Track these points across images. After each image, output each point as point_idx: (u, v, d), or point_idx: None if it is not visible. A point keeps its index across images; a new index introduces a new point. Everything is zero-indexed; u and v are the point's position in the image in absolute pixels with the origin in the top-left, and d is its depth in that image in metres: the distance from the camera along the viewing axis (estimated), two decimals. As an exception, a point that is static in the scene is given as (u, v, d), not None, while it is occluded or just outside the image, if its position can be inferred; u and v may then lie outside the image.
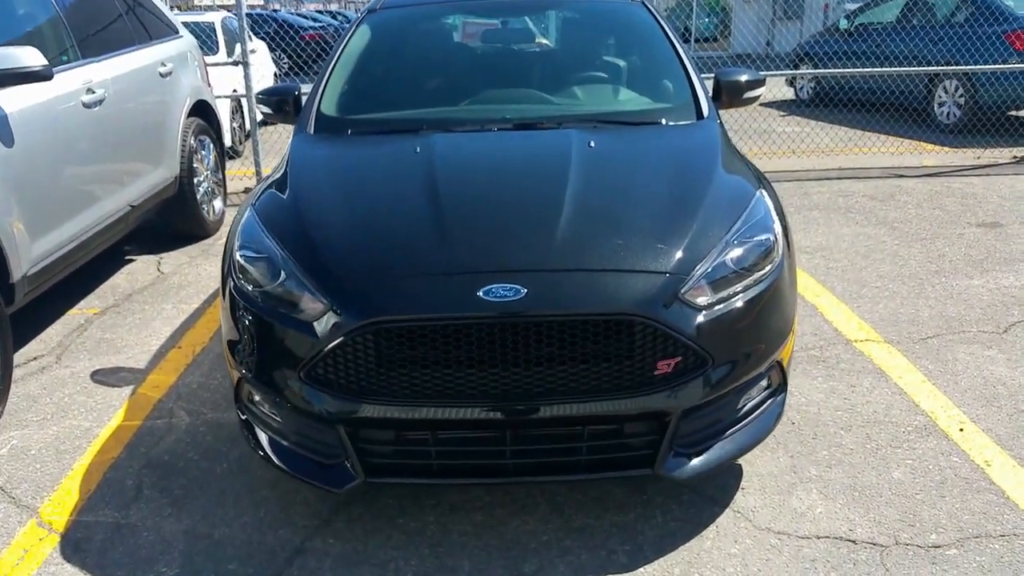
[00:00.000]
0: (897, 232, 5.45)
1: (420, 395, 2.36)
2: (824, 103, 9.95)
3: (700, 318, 2.40)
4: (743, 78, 3.65)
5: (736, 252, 2.54)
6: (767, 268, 2.58)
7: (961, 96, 8.35)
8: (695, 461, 2.49)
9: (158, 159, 5.22)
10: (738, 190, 2.82)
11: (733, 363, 2.48)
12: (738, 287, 2.50)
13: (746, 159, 3.19)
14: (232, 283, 2.66)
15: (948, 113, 8.54)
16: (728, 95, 3.65)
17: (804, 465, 2.93)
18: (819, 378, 3.53)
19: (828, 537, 2.56)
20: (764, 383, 2.68)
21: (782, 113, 10.32)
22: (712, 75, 3.76)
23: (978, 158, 7.43)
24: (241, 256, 2.67)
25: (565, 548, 2.55)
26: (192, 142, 5.66)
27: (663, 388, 2.38)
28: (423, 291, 2.39)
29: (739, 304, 2.48)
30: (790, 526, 2.61)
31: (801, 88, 10.87)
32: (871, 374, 3.55)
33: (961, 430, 3.10)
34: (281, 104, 3.74)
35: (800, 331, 3.97)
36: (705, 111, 3.38)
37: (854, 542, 2.53)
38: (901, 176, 6.88)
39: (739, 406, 2.59)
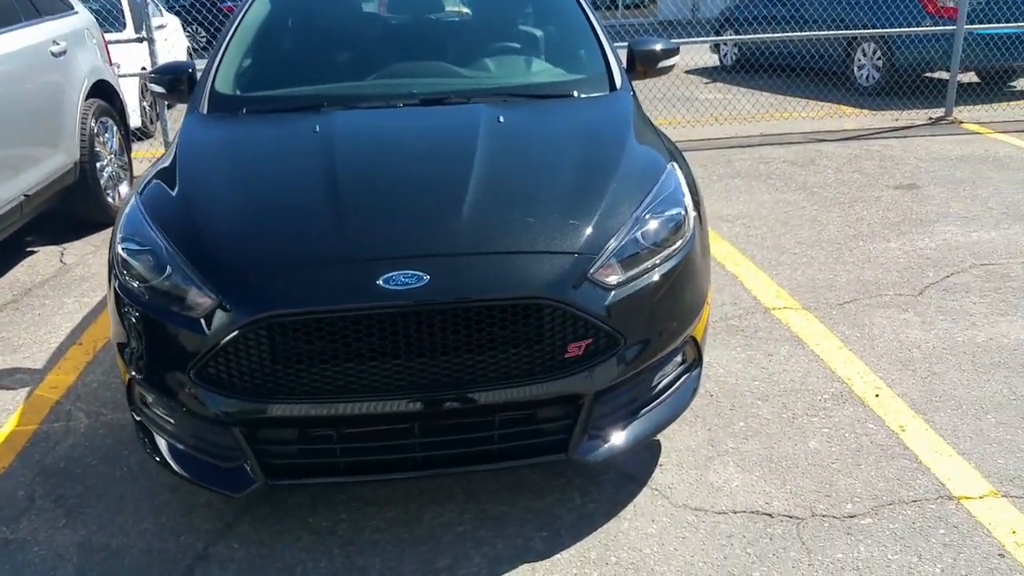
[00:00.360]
0: (816, 197, 5.49)
1: (320, 392, 2.25)
2: (748, 69, 10.00)
3: (611, 297, 2.33)
4: (657, 47, 3.58)
5: (646, 228, 2.48)
6: (678, 243, 2.52)
7: (879, 59, 8.46)
8: (610, 443, 2.44)
9: (54, 144, 4.93)
10: (649, 163, 2.75)
11: (646, 341, 2.43)
12: (649, 264, 2.43)
13: (659, 131, 3.12)
14: (116, 279, 2.49)
15: (867, 76, 8.66)
16: (642, 65, 3.57)
17: (721, 438, 2.90)
18: (737, 348, 3.51)
19: (745, 511, 2.54)
20: (679, 359, 2.63)
21: (706, 80, 10.34)
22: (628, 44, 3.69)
23: (896, 120, 7.54)
24: (123, 249, 2.50)
25: (480, 539, 2.48)
26: (93, 125, 5.36)
27: (575, 371, 2.31)
28: (318, 282, 2.26)
29: (650, 281, 2.42)
30: (707, 502, 2.59)
31: (725, 55, 10.90)
32: (789, 342, 3.55)
33: (877, 396, 3.12)
34: (175, 83, 3.53)
35: (719, 300, 3.96)
36: (618, 82, 3.30)
37: (771, 515, 2.52)
38: (821, 140, 6.94)
39: (653, 384, 2.55)
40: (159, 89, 3.58)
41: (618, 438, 2.45)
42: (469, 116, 3.00)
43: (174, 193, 2.66)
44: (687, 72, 10.65)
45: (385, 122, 3.07)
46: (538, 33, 3.78)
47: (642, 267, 2.42)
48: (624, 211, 2.50)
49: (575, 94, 3.23)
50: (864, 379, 3.23)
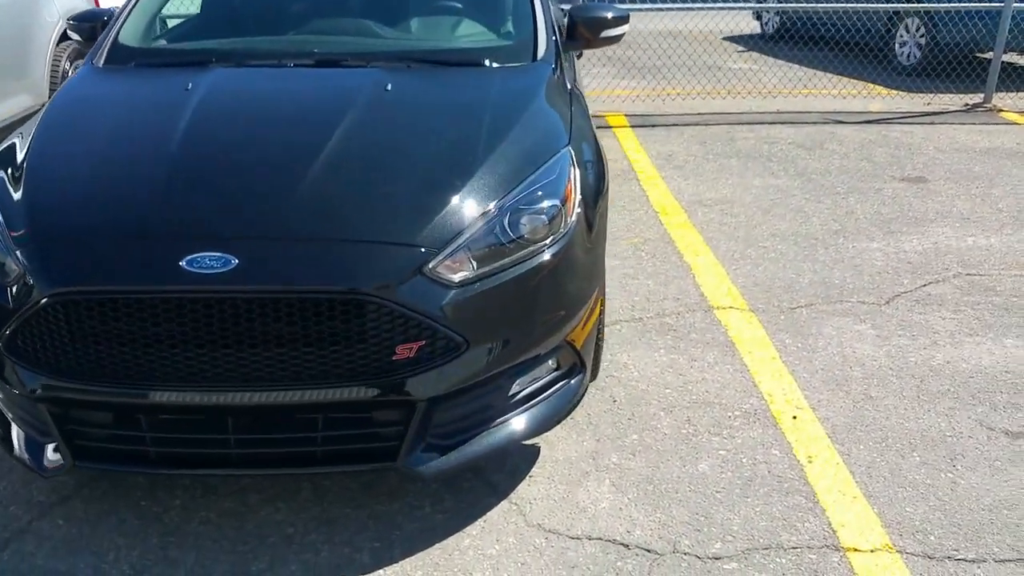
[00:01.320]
0: (811, 185, 5.08)
1: (124, 376, 2.06)
2: (788, 39, 9.42)
3: (451, 296, 2.09)
4: (604, 14, 3.25)
5: (512, 219, 2.22)
6: (548, 239, 2.25)
7: (922, 36, 7.84)
8: (450, 454, 2.21)
9: (18, 83, 4.82)
10: (536, 147, 2.46)
11: (498, 345, 2.18)
12: (509, 260, 2.18)
13: (577, 110, 2.81)
14: None
15: (909, 54, 8.05)
16: (586, 34, 3.25)
17: (607, 451, 2.65)
18: (662, 350, 3.23)
19: (600, 539, 2.30)
20: (550, 365, 2.38)
21: (741, 49, 9.78)
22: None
23: (928, 104, 6.98)
24: None
25: (307, 543, 2.29)
26: (67, 67, 5.24)
27: (405, 374, 2.08)
28: (119, 259, 2.07)
29: (508, 279, 2.17)
30: (564, 523, 2.35)
31: (767, 22, 10.30)
32: (720, 347, 3.24)
33: (795, 417, 2.81)
34: (93, 32, 3.34)
35: (662, 294, 3.66)
36: (541, 52, 2.98)
37: (627, 546, 2.27)
38: (840, 122, 6.45)
39: (512, 393, 2.30)
40: (77, 38, 3.40)
41: (462, 450, 2.23)
42: (354, 82, 2.74)
43: (21, 153, 2.48)
44: (725, 39, 10.12)
45: (262, 83, 2.82)
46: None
47: (500, 263, 2.17)
48: (488, 199, 2.23)
49: (487, 63, 2.93)
50: (787, 396, 2.93)
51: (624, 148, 5.84)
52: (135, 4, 3.27)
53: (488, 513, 2.40)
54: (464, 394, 2.20)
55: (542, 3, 3.16)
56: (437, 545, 2.28)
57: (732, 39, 10.22)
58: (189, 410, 2.12)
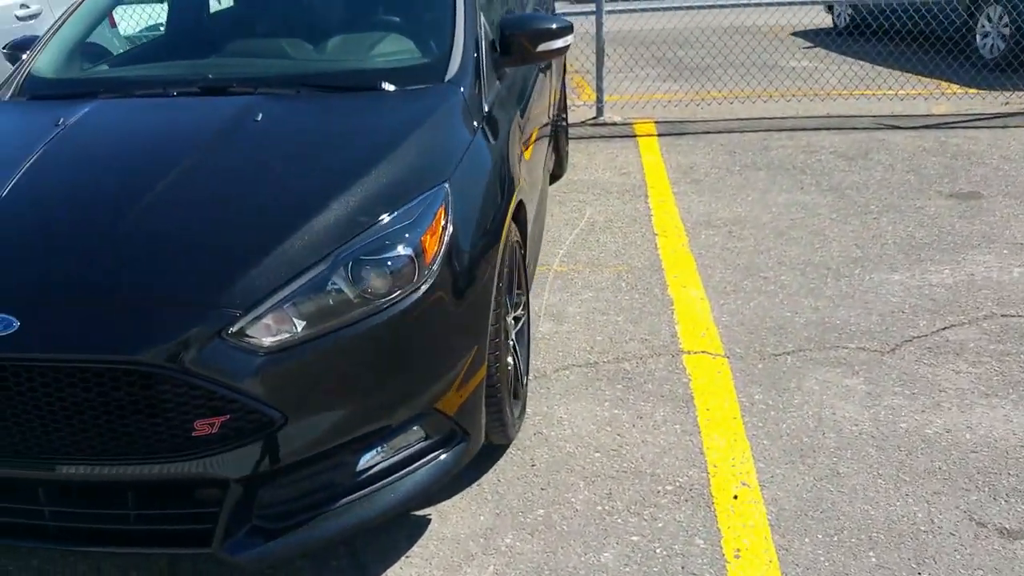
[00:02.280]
0: (843, 202, 4.55)
1: None
2: (860, 33, 8.70)
3: (262, 363, 1.80)
4: (542, 25, 2.87)
5: (352, 271, 1.91)
6: (395, 294, 1.94)
7: (1006, 26, 7.05)
8: (277, 541, 1.93)
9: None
10: (401, 186, 2.14)
11: (328, 418, 1.89)
12: (342, 319, 1.88)
13: (483, 140, 2.47)
14: None
15: (991, 46, 7.26)
16: (525, 45, 2.88)
17: (504, 529, 2.31)
18: (607, 403, 2.85)
19: (458, 649, 1.97)
20: (417, 434, 2.07)
21: (807, 45, 9.09)
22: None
23: (1005, 104, 6.24)
24: None
25: (130, 632, 2.05)
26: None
27: (208, 452, 1.82)
28: None
29: (342, 341, 1.87)
30: (424, 626, 2.03)
31: (838, 15, 9.55)
32: (675, 402, 2.84)
33: (736, 497, 2.40)
34: (18, 60, 3.21)
35: (630, 334, 3.27)
36: (451, 72, 2.64)
37: (486, 661, 1.93)
38: (894, 127, 5.82)
39: (359, 469, 2.00)
40: (10, 66, 3.28)
41: (294, 535, 1.94)
42: (223, 112, 2.48)
43: None
44: (794, 34, 9.46)
45: (131, 117, 2.59)
46: (392, 7, 3.14)
47: (331, 323, 1.87)
48: (322, 247, 1.94)
49: (384, 85, 2.61)
50: (736, 468, 2.51)
51: (643, 160, 5.41)
52: (51, 33, 3.12)
53: (342, 604, 2.10)
54: (294, 472, 1.92)
55: (466, 14, 2.81)
56: (271, 643, 2.00)
57: (801, 34, 9.53)
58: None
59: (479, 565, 2.20)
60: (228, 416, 1.81)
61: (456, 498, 2.44)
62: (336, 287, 1.89)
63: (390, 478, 2.06)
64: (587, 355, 3.14)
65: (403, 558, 2.24)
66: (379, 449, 2.02)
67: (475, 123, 2.52)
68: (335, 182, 2.10)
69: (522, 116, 3.04)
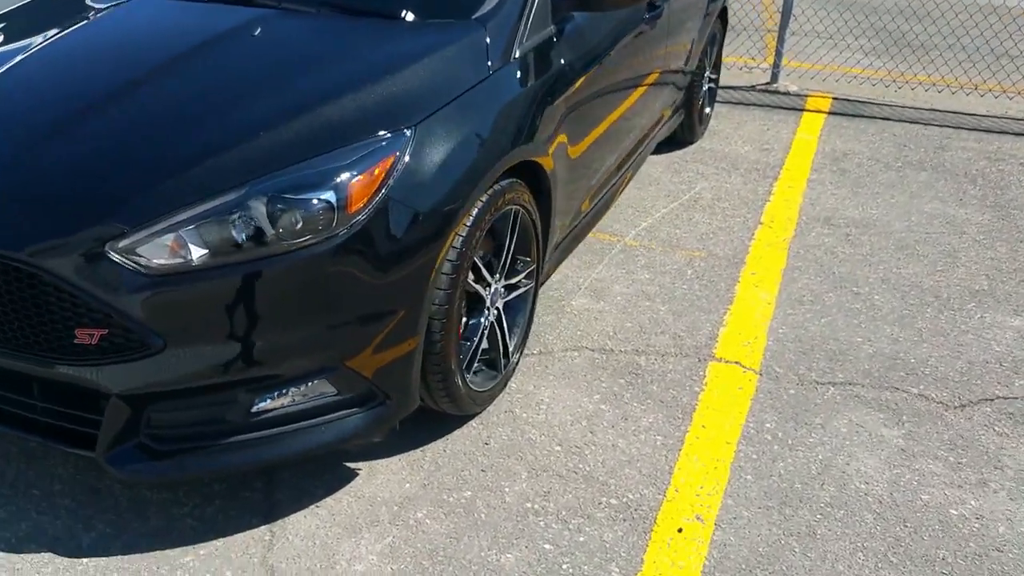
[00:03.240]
0: (1002, 224, 3.90)
1: None
2: None
3: (145, 284, 1.82)
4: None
5: (267, 207, 1.88)
6: (304, 238, 1.88)
7: None
8: (162, 462, 1.98)
9: None
10: (357, 124, 2.05)
11: (213, 354, 1.89)
12: (246, 254, 1.86)
13: (487, 90, 2.31)
14: None
15: None
16: None
17: (422, 502, 2.24)
18: (597, 396, 2.66)
19: (314, 610, 1.95)
20: (324, 388, 2.04)
21: (1065, 30, 7.78)
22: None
23: None
24: None
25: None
26: None
27: (89, 361, 1.88)
28: None
29: (238, 279, 1.86)
30: (300, 573, 2.03)
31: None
32: (671, 411, 2.60)
33: (680, 530, 2.17)
34: None
35: (664, 327, 3.02)
36: (484, 9, 2.48)
37: (333, 629, 1.90)
38: (1121, 144, 4.88)
39: (255, 410, 2.00)
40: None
41: (179, 460, 1.99)
42: (230, 21, 2.48)
43: None
44: (1057, 16, 8.13)
45: (150, 16, 2.63)
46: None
47: (231, 258, 1.86)
48: (241, 174, 1.91)
49: (405, 15, 2.49)
50: (699, 499, 2.27)
51: (795, 138, 4.93)
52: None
53: (235, 535, 2.14)
54: (183, 399, 1.95)
55: None
56: (145, 555, 2.08)
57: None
58: None
59: (378, 533, 2.15)
60: (107, 331, 1.85)
61: (394, 458, 2.39)
62: (243, 219, 1.86)
63: (290, 425, 2.05)
64: (606, 340, 2.95)
65: (312, 506, 2.23)
66: (278, 393, 2.01)
67: (490, 66, 2.36)
68: (292, 109, 2.05)
69: (587, 68, 2.81)
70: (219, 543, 2.12)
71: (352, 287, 1.95)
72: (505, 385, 2.65)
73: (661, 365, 2.82)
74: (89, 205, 1.86)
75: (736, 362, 2.84)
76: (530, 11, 2.53)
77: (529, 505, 2.24)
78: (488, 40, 2.40)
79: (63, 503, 2.21)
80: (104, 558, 2.06)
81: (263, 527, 2.17)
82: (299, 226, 1.88)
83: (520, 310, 2.71)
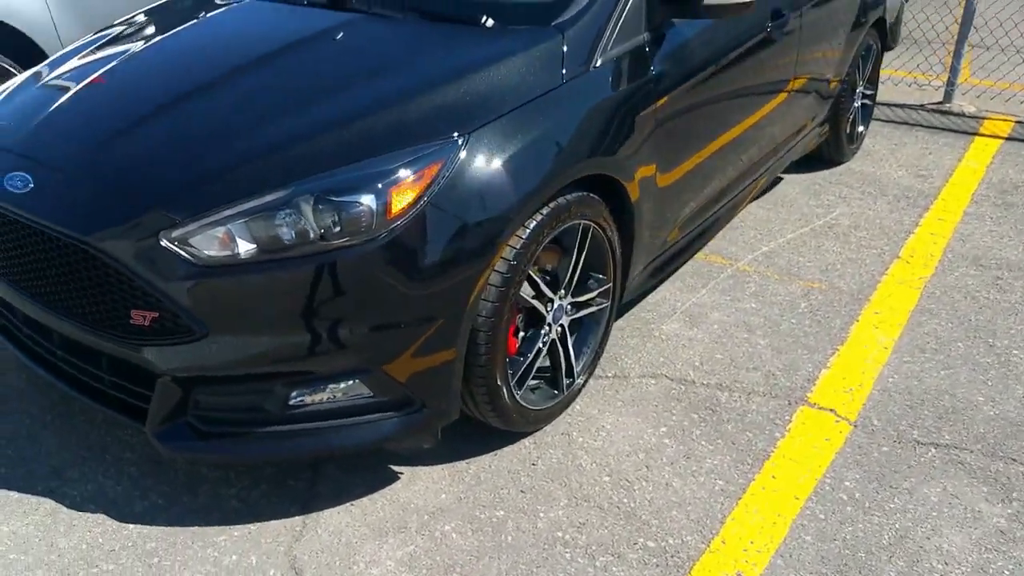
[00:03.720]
0: None
1: None
2: None
3: (193, 273, 1.91)
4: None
5: (308, 205, 1.93)
6: (343, 240, 1.92)
7: None
8: (205, 442, 2.08)
9: None
10: (410, 130, 2.05)
11: (252, 345, 1.97)
12: (290, 251, 1.92)
13: (557, 99, 2.24)
14: None
15: None
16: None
17: (453, 516, 2.22)
18: (664, 428, 2.53)
19: (323, 609, 1.97)
20: (359, 389, 2.07)
21: None
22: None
23: None
24: None
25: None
26: None
27: (141, 341, 2.01)
28: None
29: (281, 273, 1.92)
30: (321, 570, 2.06)
31: None
32: (743, 455, 2.42)
33: (716, 584, 2.02)
34: None
35: (757, 363, 2.83)
36: (566, 15, 2.40)
37: (335, 632, 1.92)
38: None
39: (291, 403, 2.06)
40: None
41: (219, 443, 2.09)
42: (315, 25, 2.56)
43: None
44: None
45: (250, 18, 2.74)
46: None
47: (279, 252, 1.91)
48: (289, 175, 1.96)
49: (486, 21, 2.45)
50: (746, 555, 2.10)
51: (960, 166, 4.47)
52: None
53: (270, 522, 2.21)
54: (228, 384, 2.04)
55: None
56: (185, 529, 2.18)
57: None
58: (13, 309, 2.33)
59: (403, 540, 2.15)
60: (157, 314, 1.96)
61: (438, 467, 2.38)
62: (290, 217, 1.91)
63: (326, 422, 2.09)
64: (689, 370, 2.79)
65: (348, 503, 2.27)
66: (314, 389, 2.05)
67: (564, 75, 2.29)
68: (352, 112, 2.09)
69: (687, 80, 2.67)
70: (254, 527, 2.19)
71: (388, 292, 1.95)
72: (567, 406, 2.58)
73: (744, 404, 2.64)
74: (148, 195, 1.98)
75: (831, 409, 2.61)
76: (618, 17, 2.43)
77: (560, 534, 2.16)
78: (565, 48, 2.33)
79: (129, 471, 2.37)
80: (148, 527, 2.19)
81: (298, 517, 2.22)
82: (338, 228, 1.91)
83: (592, 330, 2.62)
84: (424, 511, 2.24)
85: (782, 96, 3.40)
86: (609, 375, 2.77)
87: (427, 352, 2.05)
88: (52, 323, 2.18)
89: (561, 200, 2.24)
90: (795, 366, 2.82)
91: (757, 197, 4.02)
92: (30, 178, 2.10)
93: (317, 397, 2.06)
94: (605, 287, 2.57)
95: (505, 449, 2.45)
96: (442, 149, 2.01)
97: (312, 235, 1.91)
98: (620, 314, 3.08)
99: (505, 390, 2.27)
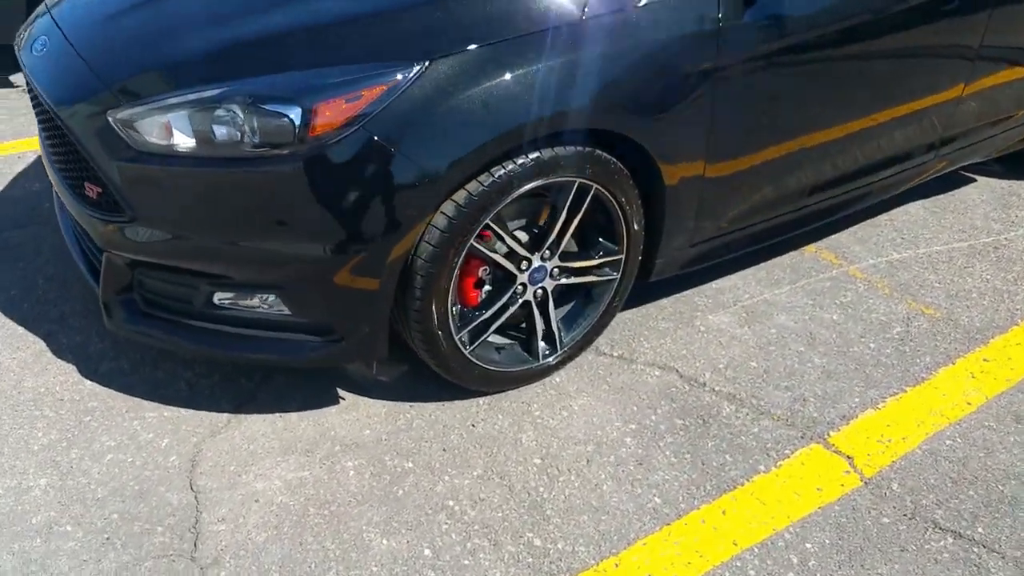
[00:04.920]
0: None
1: None
2: None
3: (127, 157, 1.97)
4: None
5: (238, 108, 1.90)
6: (263, 149, 1.88)
7: None
8: (146, 322, 2.19)
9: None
10: (387, 45, 1.92)
11: (168, 237, 2.01)
12: (214, 151, 1.93)
13: (577, 34, 2.00)
14: None
15: None
16: None
17: (369, 451, 2.17)
18: (632, 426, 2.27)
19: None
20: (276, 305, 2.07)
21: None
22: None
23: None
24: None
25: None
26: None
27: (92, 213, 2.12)
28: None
29: (203, 172, 1.94)
30: (222, 475, 2.12)
31: None
32: (707, 481, 2.12)
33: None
34: None
35: (796, 384, 2.45)
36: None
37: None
38: None
39: (215, 302, 2.10)
40: None
41: (156, 326, 2.18)
42: None
43: None
44: None
45: None
46: None
47: (206, 151, 1.93)
48: (239, 72, 1.94)
49: None
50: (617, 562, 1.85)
51: None
52: None
53: (201, 412, 2.29)
54: (163, 272, 2.10)
55: None
56: (129, 398, 2.32)
57: None
58: None
59: (301, 464, 2.13)
60: (101, 190, 2.06)
61: (380, 402, 2.33)
62: (225, 117, 1.90)
63: (249, 330, 2.10)
64: (706, 372, 2.47)
65: (277, 414, 2.28)
66: (238, 295, 2.06)
67: (585, 9, 2.02)
68: (313, 24, 1.98)
69: (785, 36, 2.28)
70: (184, 413, 2.28)
71: (302, 213, 1.89)
72: (542, 376, 2.39)
73: (746, 424, 2.30)
74: (108, 77, 2.03)
75: (847, 456, 2.20)
76: None
77: (451, 503, 2.04)
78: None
79: (117, 338, 2.56)
80: (102, 387, 2.35)
81: (226, 415, 2.28)
82: (257, 137, 1.87)
83: (594, 301, 2.40)
84: (339, 441, 2.21)
85: (962, 68, 2.80)
86: (614, 354, 2.53)
87: (345, 283, 1.98)
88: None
89: (549, 152, 2.02)
90: (837, 397, 2.40)
91: (923, 189, 3.42)
92: (47, 42, 2.26)
93: (243, 303, 2.08)
94: (615, 259, 2.33)
95: (455, 403, 2.34)
96: (388, 73, 1.87)
97: (237, 139, 1.89)
98: (669, 289, 2.79)
99: (444, 339, 2.14)
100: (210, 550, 1.92)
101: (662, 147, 2.18)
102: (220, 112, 1.89)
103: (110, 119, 1.97)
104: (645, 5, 2.08)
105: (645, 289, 2.71)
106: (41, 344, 2.51)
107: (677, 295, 2.79)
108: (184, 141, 1.92)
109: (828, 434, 2.27)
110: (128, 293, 2.20)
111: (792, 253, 3.02)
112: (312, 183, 1.87)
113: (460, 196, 1.98)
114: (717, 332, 2.64)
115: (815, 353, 2.56)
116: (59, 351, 2.48)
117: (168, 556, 1.90)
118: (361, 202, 1.90)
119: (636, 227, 2.30)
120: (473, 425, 2.27)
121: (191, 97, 1.92)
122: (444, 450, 2.19)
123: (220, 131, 1.90)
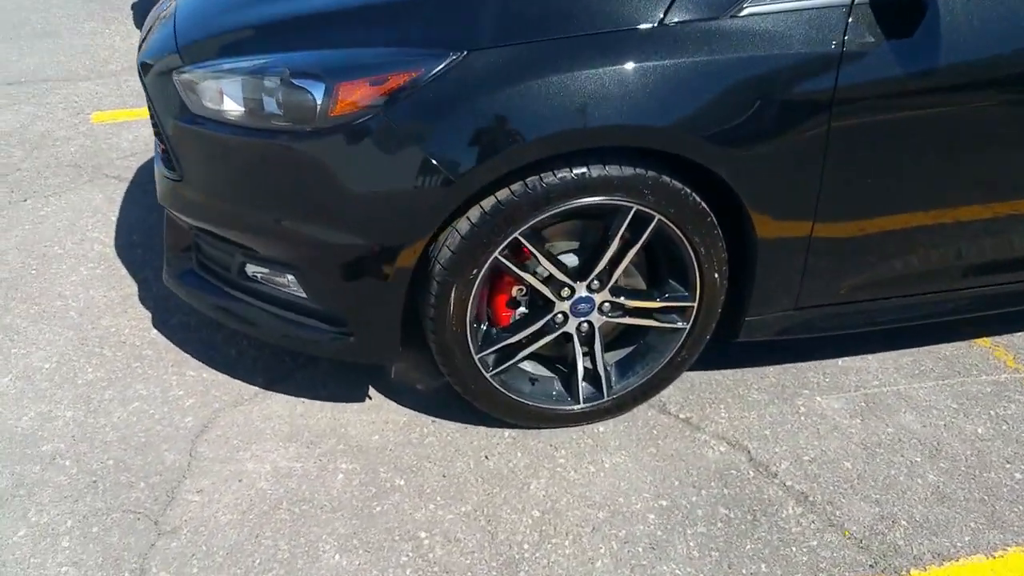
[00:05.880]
0: None
1: None
2: None
3: (185, 119, 2.00)
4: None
5: (277, 78, 1.86)
6: (285, 124, 1.83)
7: None
8: (192, 286, 2.22)
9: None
10: (412, 30, 1.81)
11: (208, 200, 2.04)
12: (249, 122, 1.91)
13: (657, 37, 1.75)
14: None
15: None
16: None
17: (370, 466, 2.05)
18: (662, 503, 1.95)
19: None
20: (294, 285, 2.02)
21: None
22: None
23: None
24: None
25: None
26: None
27: (160, 168, 2.19)
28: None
29: (239, 141, 1.92)
30: (221, 465, 2.11)
31: None
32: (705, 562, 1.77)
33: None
34: None
35: (898, 510, 2.00)
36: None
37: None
38: None
39: (248, 273, 2.09)
40: None
41: (196, 289, 2.21)
42: None
43: None
44: None
45: None
46: None
47: (253, 120, 1.91)
48: (284, 46, 1.90)
49: None
50: None
51: None
52: None
53: (233, 382, 2.29)
54: (209, 236, 2.12)
55: None
56: (179, 353, 2.37)
57: None
58: None
59: (298, 456, 2.06)
60: (164, 147, 2.11)
61: (406, 411, 2.20)
62: (268, 88, 1.87)
63: (279, 309, 2.07)
64: (783, 461, 2.08)
65: (300, 399, 2.23)
66: (267, 270, 2.03)
67: (662, 15, 1.77)
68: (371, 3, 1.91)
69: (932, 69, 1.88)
70: (220, 378, 2.30)
71: (315, 194, 1.82)
72: (580, 420, 2.14)
73: (804, 534, 1.90)
74: (181, 40, 2.07)
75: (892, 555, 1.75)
76: None
77: (423, 536, 1.86)
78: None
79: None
80: (164, 339, 2.43)
81: (255, 388, 2.27)
82: (282, 111, 1.82)
83: (656, 349, 2.11)
84: (345, 440, 2.10)
85: None
86: (680, 415, 2.21)
87: (356, 276, 1.88)
88: None
89: (599, 168, 1.79)
90: (940, 529, 1.92)
91: None
92: (165, 6, 2.38)
93: (273, 280, 2.04)
94: (683, 304, 2.03)
95: (479, 429, 2.15)
96: (419, 60, 1.74)
97: (273, 110, 1.85)
98: (782, 356, 2.41)
99: (460, 355, 1.97)
100: (175, 518, 1.89)
101: (753, 188, 1.86)
102: (266, 83, 1.87)
103: (174, 78, 2.02)
104: (748, 16, 1.78)
105: (750, 350, 2.36)
106: (133, 288, 2.65)
107: (788, 364, 2.40)
108: (233, 108, 1.91)
109: (909, 571, 1.82)
110: (187, 252, 2.24)
111: (957, 343, 2.50)
112: (328, 163, 1.80)
113: (488, 203, 1.80)
114: (819, 417, 2.23)
115: (933, 468, 2.08)
116: (145, 298, 2.60)
117: (136, 513, 1.90)
118: (375, 191, 1.79)
119: (716, 276, 1.98)
120: (486, 457, 2.07)
121: (241, 64, 1.91)
122: (443, 476, 2.01)
123: (268, 101, 1.87)
